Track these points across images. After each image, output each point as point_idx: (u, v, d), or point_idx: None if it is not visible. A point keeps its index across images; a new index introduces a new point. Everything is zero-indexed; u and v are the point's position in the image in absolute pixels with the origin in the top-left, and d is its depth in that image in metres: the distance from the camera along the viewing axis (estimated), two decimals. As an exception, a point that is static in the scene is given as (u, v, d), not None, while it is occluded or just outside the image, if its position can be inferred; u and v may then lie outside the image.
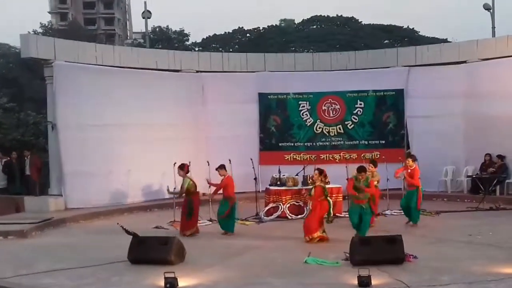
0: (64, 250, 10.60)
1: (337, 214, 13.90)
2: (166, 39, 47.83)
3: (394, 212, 13.87)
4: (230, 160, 13.22)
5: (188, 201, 11.95)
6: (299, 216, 13.42)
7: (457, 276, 7.85)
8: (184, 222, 11.92)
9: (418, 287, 7.29)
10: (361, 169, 10.95)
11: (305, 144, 18.78)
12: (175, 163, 13.04)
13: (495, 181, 16.14)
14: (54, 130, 15.72)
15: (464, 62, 17.66)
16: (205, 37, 49.11)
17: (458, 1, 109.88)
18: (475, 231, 11.40)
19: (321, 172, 10.97)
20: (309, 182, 13.48)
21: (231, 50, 43.57)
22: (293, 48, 43.40)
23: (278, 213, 13.93)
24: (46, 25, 49.73)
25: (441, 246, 10.28)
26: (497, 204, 14.79)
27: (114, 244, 10.38)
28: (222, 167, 12.25)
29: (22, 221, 12.98)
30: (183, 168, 12.08)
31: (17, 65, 34.21)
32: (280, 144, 18.80)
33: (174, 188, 12.96)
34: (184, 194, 12.05)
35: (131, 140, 16.29)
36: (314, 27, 49.47)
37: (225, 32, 49.25)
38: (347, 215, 12.40)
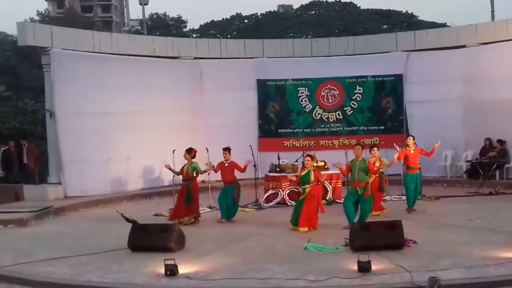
0: (64, 238, 10.61)
1: (336, 200, 14.00)
2: (164, 26, 47.65)
3: (394, 198, 13.86)
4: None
5: (188, 187, 11.93)
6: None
7: (457, 261, 7.85)
8: (181, 208, 11.87)
9: (418, 272, 7.28)
10: (357, 144, 10.96)
11: (304, 130, 18.74)
12: (174, 151, 13.06)
13: (494, 166, 16.12)
14: (52, 118, 15.68)
15: (464, 46, 17.58)
16: (202, 24, 49.05)
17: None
18: (475, 216, 11.42)
19: (312, 158, 10.99)
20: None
21: (229, 36, 43.43)
22: (292, 34, 43.28)
23: (278, 199, 13.93)
24: (43, 12, 49.40)
25: (441, 231, 10.28)
26: (496, 188, 14.77)
27: (114, 232, 10.39)
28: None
29: (21, 209, 12.99)
30: (190, 153, 12.06)
31: (15, 54, 34.09)
32: (279, 131, 18.77)
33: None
34: (184, 179, 12.02)
35: (130, 127, 16.25)
36: (313, 12, 49.30)
37: (223, 19, 49.11)
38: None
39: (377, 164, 11.49)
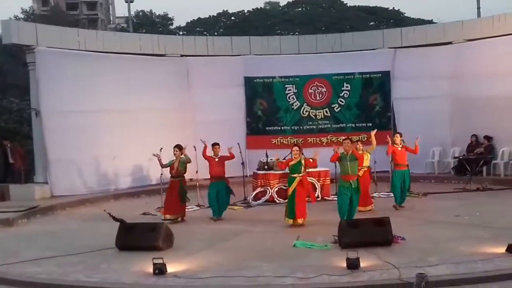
0: (51, 238, 10.54)
1: (325, 198, 14.03)
2: (150, 24, 47.39)
3: (382, 195, 13.91)
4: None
5: (180, 184, 11.93)
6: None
7: (444, 257, 7.90)
8: (176, 205, 11.84)
9: (407, 268, 7.31)
10: (346, 138, 11.06)
11: (292, 127, 18.74)
12: (161, 149, 12.98)
13: (481, 162, 16.22)
14: (38, 117, 15.55)
15: (450, 43, 17.67)
16: (189, 21, 48.73)
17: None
18: (462, 212, 11.48)
19: (299, 148, 11.11)
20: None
21: (215, 33, 43.23)
22: (278, 31, 43.15)
23: (266, 197, 13.94)
24: (28, 10, 48.90)
25: (429, 227, 10.33)
26: (483, 184, 14.88)
27: (101, 231, 10.34)
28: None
29: (8, 209, 12.86)
30: (181, 149, 12.03)
31: (-1, 52, 33.68)
32: (267, 128, 18.76)
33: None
34: (174, 176, 11.97)
35: (116, 126, 16.16)
36: (299, 9, 49.25)
37: (210, 16, 48.90)
38: (335, 198, 12.37)
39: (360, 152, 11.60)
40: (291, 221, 10.72)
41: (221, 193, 11.96)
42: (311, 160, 11.32)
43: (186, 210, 12.46)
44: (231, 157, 12.19)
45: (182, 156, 11.99)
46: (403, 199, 12.47)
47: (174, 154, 11.97)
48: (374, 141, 11.91)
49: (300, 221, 10.67)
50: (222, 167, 12.06)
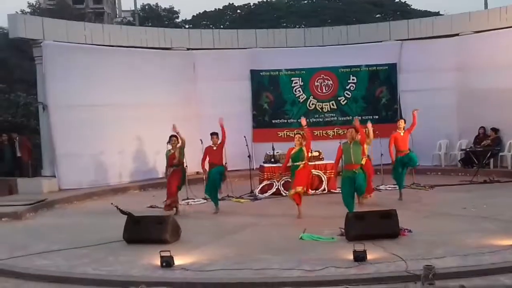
0: (59, 231, 10.58)
1: (331, 190, 14.02)
2: (156, 17, 47.36)
3: (389, 187, 13.89)
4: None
5: (183, 171, 12.02)
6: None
7: (451, 249, 7.88)
8: (175, 193, 11.88)
9: (413, 261, 7.30)
10: (350, 127, 10.99)
11: (299, 120, 18.59)
12: (168, 142, 13.01)
13: (488, 154, 16.15)
14: (45, 111, 15.60)
15: (457, 35, 17.58)
16: (195, 14, 48.68)
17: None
18: (469, 204, 11.44)
19: (302, 136, 11.07)
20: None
21: (221, 27, 43.18)
22: (284, 24, 43.03)
23: (273, 190, 13.94)
24: (34, 4, 48.94)
25: (436, 219, 10.32)
26: (491, 177, 14.81)
27: (109, 224, 10.36)
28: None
29: (15, 202, 12.93)
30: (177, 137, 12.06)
31: (6, 46, 33.76)
32: (273, 121, 18.74)
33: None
34: (175, 165, 11.98)
35: (123, 119, 16.18)
36: (305, 2, 49.07)
37: (215, 9, 48.81)
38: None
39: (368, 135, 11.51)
40: (292, 191, 10.73)
41: (217, 176, 11.91)
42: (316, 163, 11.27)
43: (194, 203, 12.51)
44: (224, 134, 12.10)
45: (179, 144, 11.97)
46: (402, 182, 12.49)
47: (172, 144, 11.93)
48: (371, 134, 11.72)
49: (298, 189, 10.66)
50: (220, 154, 12.08)
